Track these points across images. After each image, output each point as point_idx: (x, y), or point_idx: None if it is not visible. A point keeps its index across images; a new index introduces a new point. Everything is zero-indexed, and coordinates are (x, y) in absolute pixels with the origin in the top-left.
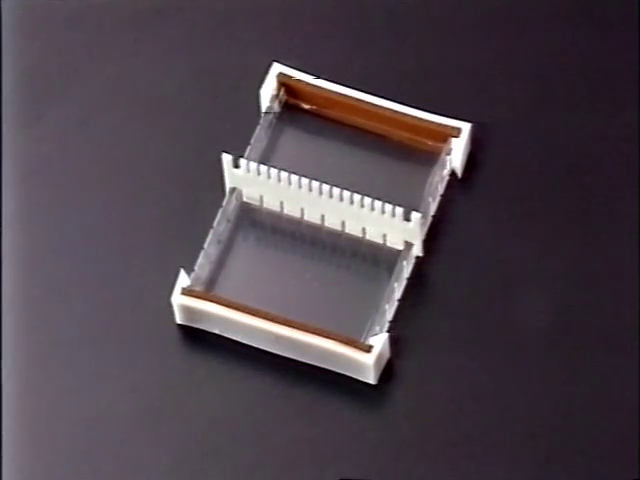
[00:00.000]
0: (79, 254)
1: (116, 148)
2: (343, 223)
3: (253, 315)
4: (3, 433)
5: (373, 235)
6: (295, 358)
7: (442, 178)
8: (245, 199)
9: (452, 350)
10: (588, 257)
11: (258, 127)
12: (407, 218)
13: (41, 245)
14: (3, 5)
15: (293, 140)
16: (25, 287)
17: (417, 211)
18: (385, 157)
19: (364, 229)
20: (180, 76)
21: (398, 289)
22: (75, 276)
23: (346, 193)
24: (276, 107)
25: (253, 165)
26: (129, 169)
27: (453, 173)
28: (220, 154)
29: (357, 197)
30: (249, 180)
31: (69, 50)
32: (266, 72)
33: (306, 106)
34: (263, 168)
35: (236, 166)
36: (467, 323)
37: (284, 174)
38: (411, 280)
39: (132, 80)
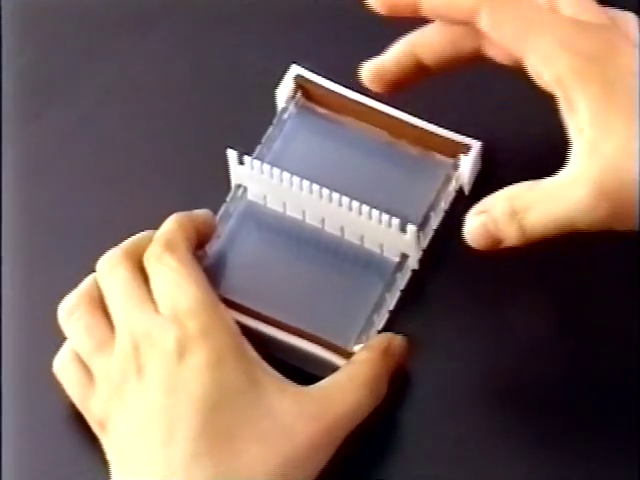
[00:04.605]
0: (80, 252)
1: (119, 146)
2: (342, 229)
3: (243, 313)
4: (3, 434)
5: (371, 243)
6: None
7: (448, 194)
8: (250, 197)
9: (446, 360)
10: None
11: (271, 127)
12: (403, 229)
13: (41, 244)
14: (3, 5)
15: (304, 142)
16: (25, 286)
17: (414, 224)
18: (393, 167)
19: (362, 237)
20: (192, 73)
21: (390, 300)
22: (76, 275)
23: (345, 199)
24: (291, 108)
25: (257, 163)
26: (131, 165)
27: (461, 190)
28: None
29: (355, 204)
30: (253, 178)
31: (71, 49)
32: (284, 73)
33: (321, 110)
34: (266, 167)
35: (241, 163)
36: (460, 339)
37: (286, 175)
38: (407, 292)
39: (132, 78)
